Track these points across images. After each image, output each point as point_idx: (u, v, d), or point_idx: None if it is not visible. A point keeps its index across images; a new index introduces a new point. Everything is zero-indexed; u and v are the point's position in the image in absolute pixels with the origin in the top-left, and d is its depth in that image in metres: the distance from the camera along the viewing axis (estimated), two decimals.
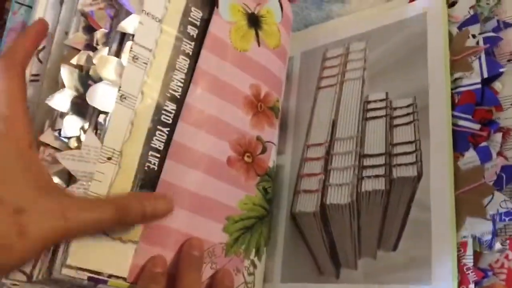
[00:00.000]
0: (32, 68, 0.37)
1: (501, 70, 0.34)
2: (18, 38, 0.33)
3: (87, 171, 0.31)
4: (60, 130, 0.32)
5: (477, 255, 0.31)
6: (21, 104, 0.30)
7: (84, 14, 0.36)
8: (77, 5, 0.36)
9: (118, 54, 0.34)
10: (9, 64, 0.30)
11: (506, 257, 0.31)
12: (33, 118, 0.34)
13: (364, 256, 0.36)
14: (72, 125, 0.33)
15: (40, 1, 0.38)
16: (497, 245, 0.31)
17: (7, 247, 0.26)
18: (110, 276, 0.32)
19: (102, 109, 0.33)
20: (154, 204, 0.32)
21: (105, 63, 0.33)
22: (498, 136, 0.33)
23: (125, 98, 0.33)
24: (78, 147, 0.32)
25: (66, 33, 0.37)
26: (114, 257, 0.32)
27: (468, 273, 0.31)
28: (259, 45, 0.41)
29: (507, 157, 0.33)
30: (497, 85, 0.35)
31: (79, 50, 0.35)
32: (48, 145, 0.32)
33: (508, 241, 0.31)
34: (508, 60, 0.35)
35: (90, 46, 0.35)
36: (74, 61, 0.34)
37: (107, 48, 0.34)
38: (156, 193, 0.33)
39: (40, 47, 0.37)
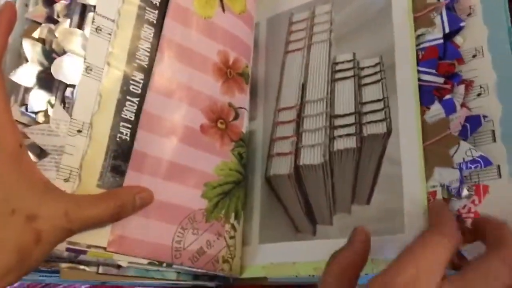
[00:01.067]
0: None
1: (461, 24, 0.35)
2: None
3: (57, 144, 0.31)
4: (26, 105, 0.32)
5: (445, 202, 0.33)
6: (3, 104, 0.28)
7: None
8: None
9: (80, 26, 0.34)
10: None
11: (473, 202, 0.32)
12: None
13: (339, 212, 0.37)
14: (38, 100, 0.32)
15: None
16: (464, 192, 0.32)
17: (27, 256, 0.27)
18: (89, 246, 0.32)
19: (68, 82, 0.32)
20: (142, 195, 0.33)
21: (69, 36, 0.32)
22: (461, 88, 0.34)
23: (91, 69, 0.33)
24: (46, 122, 0.31)
25: (26, 5, 0.36)
26: None
27: None
28: (223, 11, 0.40)
29: (470, 108, 0.34)
30: (458, 39, 0.35)
31: (40, 24, 0.34)
32: (16, 121, 0.31)
33: (474, 187, 0.32)
34: (468, 15, 0.36)
35: (51, 19, 0.34)
36: (36, 34, 0.33)
37: (68, 20, 0.33)
38: (140, 186, 0.34)
39: None
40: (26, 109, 0.32)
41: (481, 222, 0.30)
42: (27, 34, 0.33)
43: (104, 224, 0.31)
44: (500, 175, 0.32)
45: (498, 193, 0.32)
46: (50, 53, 0.32)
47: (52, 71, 0.31)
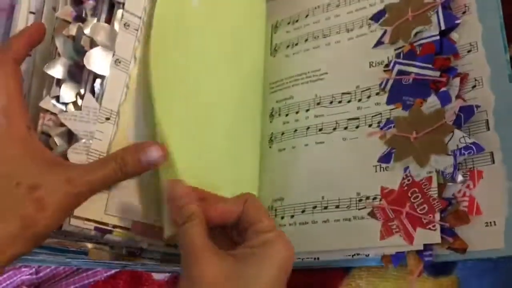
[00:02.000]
0: None
1: (457, 22, 0.37)
2: (14, 36, 0.34)
3: (88, 130, 0.34)
4: (58, 96, 0.35)
5: (442, 187, 0.35)
6: (17, 94, 0.31)
7: None
8: None
9: (108, 23, 0.36)
10: (3, 59, 0.32)
11: (468, 186, 0.34)
12: (29, 88, 0.37)
13: None
14: (69, 91, 0.35)
15: None
16: (460, 177, 0.35)
17: (32, 223, 0.29)
18: (114, 226, 0.34)
19: (99, 73, 0.35)
20: (147, 152, 0.33)
21: (99, 30, 0.35)
22: (457, 81, 0.36)
23: (119, 62, 0.36)
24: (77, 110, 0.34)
25: (54, 9, 0.39)
26: None
27: (434, 203, 0.34)
28: None
29: (466, 99, 0.36)
30: (454, 35, 0.38)
31: (69, 23, 0.37)
32: (48, 111, 0.35)
33: (468, 173, 0.34)
34: (463, 12, 0.38)
35: (80, 18, 0.37)
36: (66, 32, 0.36)
37: (95, 19, 0.36)
38: (148, 142, 0.35)
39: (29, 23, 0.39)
40: (58, 100, 0.35)
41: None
42: (58, 31, 0.36)
43: (112, 183, 0.33)
44: (493, 161, 0.34)
45: (491, 178, 0.34)
46: (80, 48, 0.35)
47: (84, 62, 0.34)
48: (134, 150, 0.33)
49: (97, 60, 0.35)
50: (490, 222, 0.33)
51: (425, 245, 0.34)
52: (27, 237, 0.28)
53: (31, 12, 0.39)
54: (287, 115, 0.44)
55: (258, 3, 0.47)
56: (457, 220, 0.34)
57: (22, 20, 0.38)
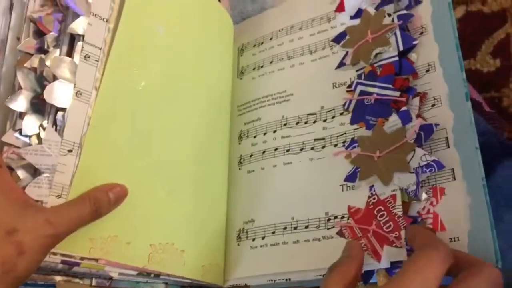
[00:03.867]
0: None
1: (414, 42, 0.38)
2: None
3: (49, 163, 0.33)
4: (20, 129, 0.34)
5: (406, 205, 0.35)
6: None
7: (33, 20, 0.37)
8: (26, 12, 0.38)
9: (69, 55, 0.36)
10: None
11: (431, 203, 0.34)
12: None
13: None
14: (31, 124, 0.34)
15: None
16: (423, 195, 0.35)
17: (11, 268, 0.28)
18: (82, 258, 0.33)
19: (60, 106, 0.34)
20: (115, 191, 0.34)
21: (59, 63, 0.35)
22: (416, 100, 0.37)
23: (80, 94, 0.35)
24: (39, 143, 0.34)
25: (18, 39, 0.38)
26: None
27: (399, 221, 0.34)
28: None
29: (426, 117, 0.36)
30: (412, 56, 0.38)
31: (32, 55, 0.37)
32: (12, 144, 0.34)
33: (431, 190, 0.35)
34: (421, 33, 0.39)
35: (42, 50, 0.36)
36: (28, 64, 0.35)
37: (58, 50, 0.36)
38: (111, 183, 0.35)
39: None
40: (21, 133, 0.34)
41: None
42: (20, 64, 0.36)
43: (86, 223, 0.33)
44: (454, 178, 0.34)
45: (453, 194, 0.34)
46: (42, 80, 0.35)
47: (45, 96, 0.34)
48: (105, 190, 0.33)
49: (58, 93, 0.34)
50: (454, 238, 0.33)
51: (392, 262, 0.34)
52: (8, 281, 0.28)
53: None
54: (255, 136, 0.44)
55: (225, 28, 0.47)
56: None
57: None
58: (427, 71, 0.38)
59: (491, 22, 0.83)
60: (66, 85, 0.35)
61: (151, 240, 0.36)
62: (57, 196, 0.33)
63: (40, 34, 0.37)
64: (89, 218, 0.33)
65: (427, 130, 0.35)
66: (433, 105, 0.37)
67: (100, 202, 0.33)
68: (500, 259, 0.31)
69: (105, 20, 0.37)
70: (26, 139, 0.34)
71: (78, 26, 0.36)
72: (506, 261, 0.32)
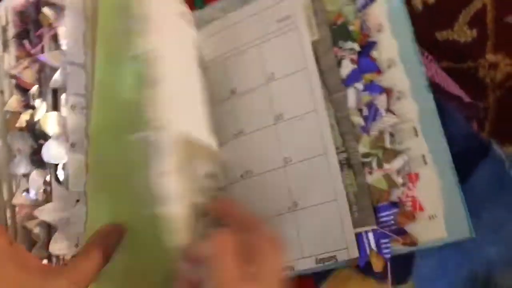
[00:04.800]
0: None
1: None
2: None
3: (63, 217, 0.35)
4: (27, 189, 0.35)
5: (387, 193, 0.39)
6: None
7: (12, 77, 0.38)
8: (4, 69, 0.38)
9: (55, 105, 0.37)
10: None
11: (409, 188, 0.39)
12: None
13: None
14: (36, 182, 0.36)
15: None
16: (399, 180, 0.39)
17: None
18: None
19: (58, 162, 0.36)
20: (114, 229, 0.34)
21: (47, 121, 0.36)
22: (384, 96, 0.40)
23: (74, 145, 0.37)
24: (48, 199, 0.35)
25: (1, 92, 0.38)
26: None
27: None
28: None
29: (394, 110, 0.40)
30: (374, 53, 0.41)
31: (20, 112, 0.37)
32: (22, 204, 0.35)
33: (407, 176, 0.39)
34: (378, 31, 0.42)
35: (29, 105, 0.37)
36: (19, 124, 0.37)
37: (44, 103, 0.37)
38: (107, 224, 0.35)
39: None
40: (28, 192, 0.35)
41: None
42: (11, 125, 0.37)
43: (103, 266, 0.33)
44: (425, 162, 0.39)
45: (426, 178, 0.38)
46: (37, 137, 0.36)
47: (43, 156, 0.35)
48: (107, 234, 0.34)
49: (54, 151, 0.36)
50: (432, 216, 0.38)
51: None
52: None
53: None
54: None
55: None
56: (405, 219, 0.39)
57: None
58: (389, 66, 0.41)
59: None
60: (59, 140, 0.36)
61: None
62: (75, 245, 0.35)
63: (22, 88, 0.38)
64: (104, 262, 0.33)
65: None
66: (398, 98, 0.40)
67: (108, 244, 0.33)
68: (473, 231, 0.36)
69: (81, 66, 0.38)
70: (34, 196, 0.36)
71: (58, 79, 0.37)
72: (483, 255, 0.37)
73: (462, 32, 0.84)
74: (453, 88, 0.60)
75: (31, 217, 0.35)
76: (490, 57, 0.84)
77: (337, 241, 0.39)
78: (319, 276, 0.45)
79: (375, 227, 0.39)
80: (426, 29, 0.84)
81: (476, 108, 0.79)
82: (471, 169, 0.44)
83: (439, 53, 0.59)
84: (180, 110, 0.36)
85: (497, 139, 0.49)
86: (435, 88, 0.51)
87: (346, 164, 0.41)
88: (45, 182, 0.36)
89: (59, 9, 0.37)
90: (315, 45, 0.43)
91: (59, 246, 0.34)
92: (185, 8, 0.43)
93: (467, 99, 0.62)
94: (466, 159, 0.41)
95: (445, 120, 0.39)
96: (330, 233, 0.40)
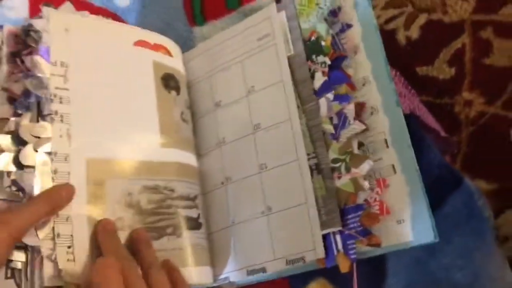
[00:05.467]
0: None
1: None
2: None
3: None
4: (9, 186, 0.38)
5: (354, 196, 0.41)
6: None
7: (4, 89, 0.41)
8: None
9: (39, 113, 0.40)
10: None
11: (377, 193, 0.42)
12: None
13: None
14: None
15: None
16: (366, 184, 0.41)
17: None
18: None
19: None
20: (66, 189, 0.38)
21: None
22: (351, 106, 0.43)
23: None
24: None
25: None
26: None
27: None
28: None
29: (367, 123, 0.43)
30: (350, 70, 0.45)
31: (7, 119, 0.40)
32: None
33: (376, 182, 0.42)
34: (355, 52, 0.46)
35: (16, 113, 0.41)
36: (7, 128, 0.40)
37: (29, 113, 0.40)
38: (61, 184, 0.39)
39: None
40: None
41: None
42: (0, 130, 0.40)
43: (43, 219, 0.36)
44: (395, 171, 0.42)
45: (395, 185, 0.41)
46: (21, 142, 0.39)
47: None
48: (55, 191, 0.38)
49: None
50: (400, 220, 0.40)
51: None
52: None
53: None
54: None
55: None
56: (369, 220, 0.41)
57: None
58: (363, 84, 0.45)
59: (450, 32, 0.89)
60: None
61: None
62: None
63: (12, 99, 0.41)
64: (44, 215, 0.36)
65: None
66: (371, 113, 0.44)
67: (54, 200, 0.37)
68: (437, 235, 0.39)
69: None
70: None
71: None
72: (450, 279, 0.39)
73: (441, 69, 0.89)
74: (431, 121, 0.64)
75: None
76: (466, 95, 0.89)
77: (305, 242, 0.42)
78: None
79: (341, 228, 0.41)
80: (408, 63, 0.89)
81: (451, 142, 0.83)
82: (444, 197, 0.48)
83: (418, 87, 0.63)
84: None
85: (467, 172, 0.53)
86: (416, 120, 0.56)
87: (316, 169, 0.43)
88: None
89: (38, 36, 0.41)
90: (290, 59, 0.47)
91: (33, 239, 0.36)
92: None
93: (443, 133, 0.66)
94: (440, 187, 0.44)
95: (422, 150, 0.42)
96: (300, 235, 0.42)
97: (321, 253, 0.40)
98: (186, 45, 0.52)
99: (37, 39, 0.41)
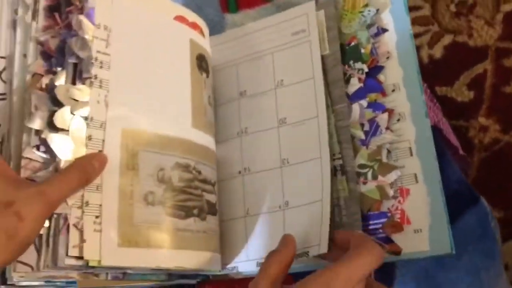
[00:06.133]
0: None
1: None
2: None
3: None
4: (38, 145, 0.37)
5: (378, 203, 0.42)
6: None
7: (39, 42, 0.41)
8: (31, 33, 0.41)
9: (74, 77, 0.39)
10: None
11: (399, 202, 0.42)
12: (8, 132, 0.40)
13: None
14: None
15: None
16: (391, 192, 0.42)
17: (14, 234, 0.32)
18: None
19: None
20: (98, 158, 0.38)
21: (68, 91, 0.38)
22: (385, 115, 0.43)
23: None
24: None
25: (24, 55, 0.41)
26: None
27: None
28: None
29: (393, 130, 0.43)
30: (381, 77, 0.45)
31: (41, 75, 0.40)
32: (29, 158, 0.37)
33: (399, 190, 0.42)
34: (387, 58, 0.46)
35: (50, 71, 0.40)
36: (40, 85, 0.39)
37: (64, 72, 0.39)
38: (93, 153, 0.38)
39: (1, 68, 0.41)
40: (38, 149, 0.37)
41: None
42: (32, 86, 0.39)
43: (77, 190, 0.36)
44: (417, 181, 0.42)
45: (416, 194, 0.41)
46: (54, 102, 0.38)
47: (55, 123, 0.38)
48: (90, 159, 0.37)
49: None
50: (417, 230, 0.41)
51: None
52: (13, 247, 0.32)
53: (1, 57, 0.42)
54: None
55: None
56: (392, 229, 0.41)
57: None
58: (393, 90, 0.45)
59: (473, 56, 0.90)
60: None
61: None
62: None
63: (46, 54, 0.40)
64: (78, 186, 0.36)
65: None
66: (398, 120, 0.44)
67: (87, 170, 0.37)
68: (454, 247, 0.39)
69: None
70: (44, 155, 0.37)
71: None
72: None
73: (460, 91, 0.90)
74: (453, 138, 0.64)
75: (37, 172, 0.37)
76: (482, 120, 0.90)
77: (313, 237, 0.42)
78: None
79: (361, 232, 0.41)
80: (428, 81, 0.89)
81: (467, 162, 0.83)
82: (460, 213, 0.48)
83: None
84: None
85: None
86: (439, 133, 0.56)
87: (341, 170, 0.44)
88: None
89: None
90: (324, 58, 0.47)
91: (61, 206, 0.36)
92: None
93: (461, 151, 0.66)
94: (457, 203, 0.44)
95: (442, 164, 0.42)
96: (310, 231, 0.42)
97: (324, 248, 0.40)
98: (214, 30, 0.52)
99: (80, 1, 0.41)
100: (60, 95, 0.38)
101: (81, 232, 0.36)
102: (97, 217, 0.37)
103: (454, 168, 0.50)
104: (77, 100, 0.38)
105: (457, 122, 0.91)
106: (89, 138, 0.38)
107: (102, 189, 0.38)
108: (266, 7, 0.53)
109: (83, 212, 0.36)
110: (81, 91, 0.39)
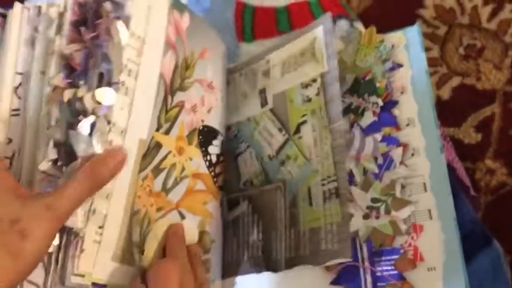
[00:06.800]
0: (12, 103, 0.41)
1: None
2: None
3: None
4: (55, 160, 0.37)
5: (390, 238, 0.42)
6: None
7: (63, 56, 0.41)
8: (55, 47, 0.41)
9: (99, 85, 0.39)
10: None
11: (412, 238, 0.41)
12: (20, 147, 0.39)
13: None
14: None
15: (11, 41, 0.42)
16: (404, 227, 0.41)
17: (16, 254, 0.31)
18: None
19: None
20: (114, 157, 0.36)
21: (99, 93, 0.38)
22: (399, 150, 0.44)
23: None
24: None
25: (42, 73, 0.41)
26: None
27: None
28: None
29: (407, 165, 0.43)
30: (396, 111, 0.46)
31: (62, 88, 0.40)
32: (45, 173, 0.37)
33: (412, 226, 0.41)
34: (401, 92, 0.46)
35: (72, 84, 0.40)
36: (61, 98, 0.39)
37: (86, 86, 0.39)
38: (109, 149, 0.37)
39: (17, 84, 0.42)
40: (55, 164, 0.37)
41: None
42: (53, 98, 0.39)
43: (89, 196, 0.35)
44: (431, 217, 0.41)
45: (430, 231, 0.41)
46: (75, 112, 0.38)
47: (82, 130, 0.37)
48: (100, 163, 0.35)
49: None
50: (431, 268, 0.40)
51: None
52: (18, 268, 0.31)
53: (18, 73, 0.42)
54: None
55: None
56: (405, 266, 0.40)
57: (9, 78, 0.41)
58: (408, 125, 0.45)
59: (481, 98, 0.91)
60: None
61: None
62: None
63: (69, 67, 0.40)
64: (90, 194, 0.35)
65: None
66: (412, 154, 0.44)
67: (99, 175, 0.35)
68: (468, 285, 0.38)
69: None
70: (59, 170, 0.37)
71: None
72: None
73: (467, 133, 0.90)
74: (465, 177, 0.64)
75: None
76: (489, 163, 0.89)
77: None
78: None
79: (350, 260, 0.39)
80: None
81: (478, 203, 0.83)
82: (474, 253, 0.48)
83: None
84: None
85: None
86: (453, 172, 0.56)
87: (335, 193, 0.42)
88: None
89: (119, 6, 0.41)
90: (323, 76, 0.46)
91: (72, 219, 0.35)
92: None
93: (472, 191, 0.66)
94: (471, 243, 0.43)
95: (456, 203, 0.42)
96: None
97: None
98: (228, 58, 0.53)
99: (114, 9, 0.41)
100: (86, 101, 0.38)
101: (81, 241, 0.35)
102: (100, 227, 0.36)
103: (468, 207, 0.49)
104: (100, 103, 0.38)
105: (463, 164, 0.91)
106: (110, 143, 0.38)
107: (110, 198, 0.37)
108: (282, 38, 0.54)
109: (88, 219, 0.35)
110: (107, 95, 0.38)
